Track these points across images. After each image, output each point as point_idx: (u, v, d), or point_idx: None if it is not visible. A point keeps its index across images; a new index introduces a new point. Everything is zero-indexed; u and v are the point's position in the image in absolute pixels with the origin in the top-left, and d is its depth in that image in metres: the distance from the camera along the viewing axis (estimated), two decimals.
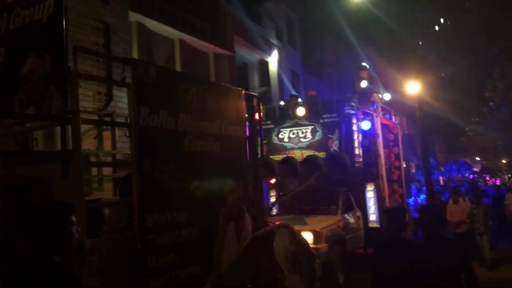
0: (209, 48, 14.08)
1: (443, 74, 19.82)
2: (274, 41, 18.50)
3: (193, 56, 13.46)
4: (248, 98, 5.07)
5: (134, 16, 10.93)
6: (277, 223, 4.87)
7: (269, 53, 17.86)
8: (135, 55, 10.57)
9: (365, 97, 10.11)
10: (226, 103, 4.39)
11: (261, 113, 5.66)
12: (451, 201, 10.63)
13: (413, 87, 15.48)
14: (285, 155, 9.80)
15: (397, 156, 12.16)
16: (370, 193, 10.12)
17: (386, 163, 11.64)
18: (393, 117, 12.53)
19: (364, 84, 10.43)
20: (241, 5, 15.56)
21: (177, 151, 3.63)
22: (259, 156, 5.48)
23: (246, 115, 5.09)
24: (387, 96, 12.97)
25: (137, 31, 11.17)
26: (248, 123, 5.05)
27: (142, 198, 3.15)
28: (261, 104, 5.48)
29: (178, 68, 12.26)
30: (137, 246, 3.05)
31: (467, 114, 25.08)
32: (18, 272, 2.15)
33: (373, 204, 10.06)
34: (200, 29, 13.94)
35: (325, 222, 8.73)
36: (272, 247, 4.09)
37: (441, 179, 24.55)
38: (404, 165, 12.33)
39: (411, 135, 26.50)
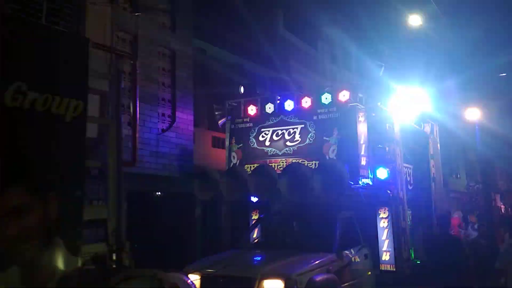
0: (266, 73, 14.43)
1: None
2: (330, 66, 18.45)
3: (251, 81, 14.02)
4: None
5: (197, 43, 11.62)
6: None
7: (324, 77, 17.29)
8: (197, 80, 11.46)
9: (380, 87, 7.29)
10: (25, 50, 2.43)
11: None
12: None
13: (473, 113, 14.04)
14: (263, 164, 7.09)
15: (426, 175, 9.15)
16: (383, 222, 7.19)
17: (409, 182, 8.69)
18: (422, 124, 9.58)
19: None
20: (298, 30, 16.35)
21: None
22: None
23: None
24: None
25: (200, 57, 11.79)
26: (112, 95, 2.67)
27: None
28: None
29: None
30: None
31: None
32: None
33: (388, 238, 7.13)
34: (258, 54, 14.52)
35: (309, 262, 5.88)
36: None
37: (502, 208, 21.49)
38: (435, 188, 9.28)
39: (470, 161, 25.11)
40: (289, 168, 6.33)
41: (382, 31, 19.00)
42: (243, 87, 8.23)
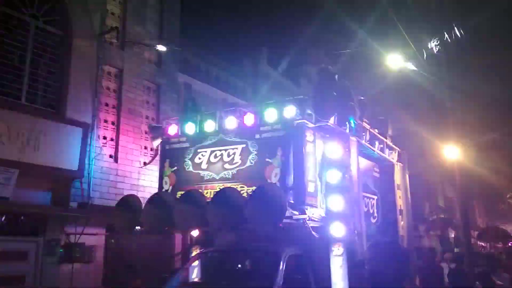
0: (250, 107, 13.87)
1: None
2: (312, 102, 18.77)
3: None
4: None
5: (182, 78, 12.03)
6: None
7: (306, 113, 17.32)
8: (181, 113, 11.40)
9: (333, 103, 6.36)
10: None
11: None
12: None
13: (452, 152, 14.04)
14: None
15: (392, 207, 8.14)
16: (337, 260, 6.07)
17: (374, 216, 7.68)
18: (388, 150, 8.64)
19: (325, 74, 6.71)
20: (280, 66, 17.08)
21: None
22: None
23: None
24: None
25: (184, 91, 12.09)
26: None
27: None
28: None
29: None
30: None
31: (509, 180, 23.13)
32: None
33: (343, 280, 5.99)
34: (241, 89, 15.14)
35: None
36: None
37: (482, 246, 20.67)
38: (403, 222, 8.24)
39: (449, 198, 24.59)
40: (219, 194, 5.26)
41: (362, 69, 18.94)
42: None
